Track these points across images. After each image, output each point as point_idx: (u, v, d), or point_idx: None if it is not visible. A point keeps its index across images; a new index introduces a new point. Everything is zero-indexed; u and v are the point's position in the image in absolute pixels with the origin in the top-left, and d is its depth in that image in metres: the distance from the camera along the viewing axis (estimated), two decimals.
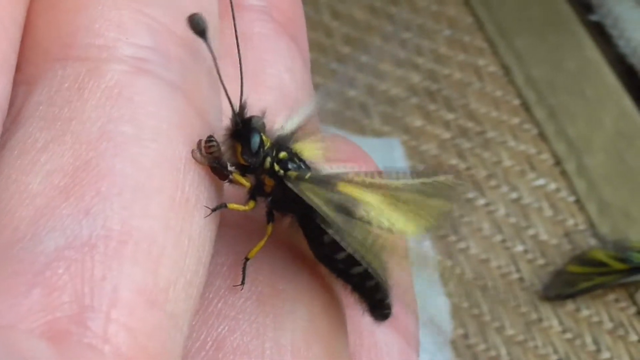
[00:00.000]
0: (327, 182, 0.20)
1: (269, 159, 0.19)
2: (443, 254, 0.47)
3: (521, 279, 0.46)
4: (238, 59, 0.20)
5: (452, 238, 0.47)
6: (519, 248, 0.47)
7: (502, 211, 0.48)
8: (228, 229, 0.19)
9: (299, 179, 0.19)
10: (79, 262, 0.15)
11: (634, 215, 0.47)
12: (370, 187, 0.20)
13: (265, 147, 0.19)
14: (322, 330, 0.20)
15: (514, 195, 0.49)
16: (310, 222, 0.19)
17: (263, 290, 0.19)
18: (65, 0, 0.18)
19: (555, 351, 0.44)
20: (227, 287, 0.19)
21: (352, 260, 0.19)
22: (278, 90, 0.22)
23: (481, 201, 0.49)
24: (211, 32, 0.18)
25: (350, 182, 0.20)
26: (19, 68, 0.18)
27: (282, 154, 0.19)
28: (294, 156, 0.19)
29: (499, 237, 0.47)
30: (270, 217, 0.20)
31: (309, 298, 0.20)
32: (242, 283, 0.19)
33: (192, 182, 0.17)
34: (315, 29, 0.57)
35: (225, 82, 0.18)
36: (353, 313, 0.21)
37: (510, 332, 0.44)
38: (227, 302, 0.19)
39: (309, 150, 0.20)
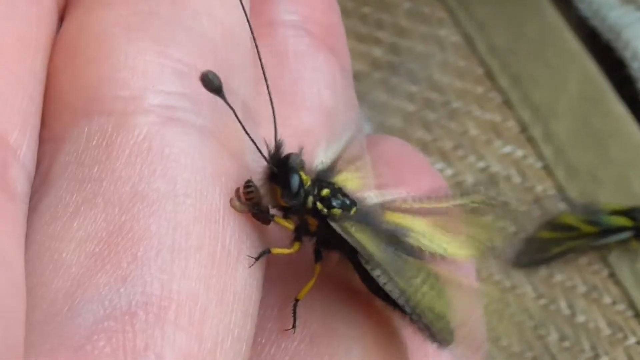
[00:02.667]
0: (373, 214, 0.19)
1: (310, 199, 0.18)
2: None
3: (492, 248, 0.46)
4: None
5: None
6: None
7: (470, 181, 0.48)
8: (276, 268, 0.19)
9: (344, 216, 0.18)
10: (120, 333, 0.15)
11: (602, 178, 0.47)
12: (419, 212, 0.19)
13: (306, 186, 0.18)
14: None
15: (481, 164, 0.49)
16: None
17: (316, 330, 0.18)
18: (86, 50, 0.17)
19: (531, 317, 0.44)
20: (279, 330, 0.18)
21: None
22: (319, 109, 0.21)
23: (449, 172, 0.49)
24: (232, 83, 0.17)
25: (397, 209, 0.19)
26: (44, 124, 0.17)
27: (325, 191, 0.18)
28: (338, 191, 0.19)
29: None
30: (318, 256, 0.19)
31: (363, 333, 0.19)
32: (294, 327, 0.18)
33: (233, 234, 0.17)
34: None
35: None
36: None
37: (484, 300, 0.44)
38: (280, 347, 0.18)
39: (354, 179, 0.19)
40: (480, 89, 0.52)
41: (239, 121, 0.17)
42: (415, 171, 0.24)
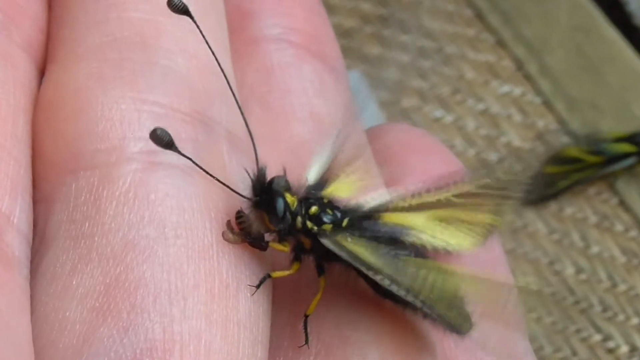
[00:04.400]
0: (368, 220, 0.19)
1: (299, 219, 0.18)
2: None
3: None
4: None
5: None
6: (494, 158, 0.47)
7: (471, 125, 0.48)
8: (284, 287, 0.19)
9: (336, 230, 0.18)
10: None
11: (601, 106, 0.47)
12: (419, 208, 0.19)
13: (293, 208, 0.18)
14: None
15: (481, 106, 0.49)
16: None
17: (330, 341, 0.18)
18: (64, 106, 0.18)
19: (545, 254, 0.44)
20: (295, 348, 0.18)
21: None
22: (311, 120, 0.21)
23: (449, 118, 0.49)
24: (214, 113, 0.17)
25: (395, 209, 0.19)
26: (34, 186, 0.17)
27: (313, 209, 0.18)
28: (327, 206, 0.18)
29: (472, 151, 0.47)
30: (320, 270, 0.19)
31: (378, 336, 0.19)
32: (306, 342, 0.18)
33: (229, 266, 0.17)
34: None
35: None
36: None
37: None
38: None
39: (346, 187, 0.19)
40: (471, 31, 0.51)
41: (205, 171, 0.17)
42: (423, 157, 0.23)
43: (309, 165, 0.19)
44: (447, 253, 0.19)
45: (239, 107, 0.18)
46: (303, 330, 0.18)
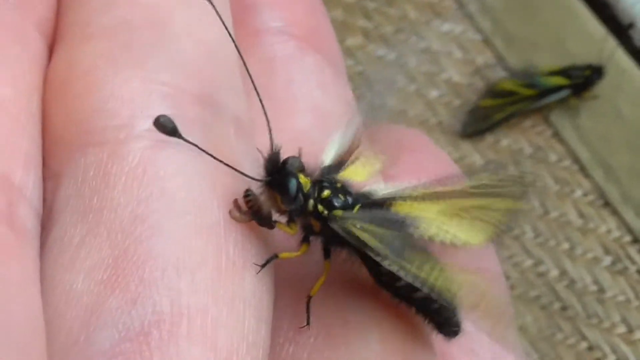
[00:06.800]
0: (379, 208, 0.19)
1: (311, 202, 0.18)
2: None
3: (440, 123, 0.48)
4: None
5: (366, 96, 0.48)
6: (434, 94, 0.48)
7: (413, 62, 0.49)
8: (287, 269, 0.19)
9: (346, 216, 0.18)
10: (137, 354, 0.15)
11: (539, 42, 0.48)
12: (430, 199, 0.19)
13: (306, 190, 0.18)
14: (397, 348, 0.19)
15: (422, 44, 0.50)
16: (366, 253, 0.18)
17: (331, 323, 0.19)
18: (74, 85, 0.18)
19: None
20: (296, 328, 0.18)
21: (412, 287, 0.18)
22: (313, 110, 0.21)
23: (392, 56, 0.50)
24: (221, 98, 0.17)
25: (407, 199, 0.19)
26: (43, 162, 0.18)
27: (325, 193, 0.18)
28: (339, 191, 0.18)
29: (413, 87, 0.48)
30: (326, 254, 0.19)
31: (379, 321, 0.19)
32: (308, 323, 0.18)
33: (236, 244, 0.17)
34: None
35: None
36: None
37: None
38: (297, 344, 0.18)
39: (360, 172, 0.19)
40: None
41: (211, 155, 0.17)
42: (418, 156, 0.24)
43: (326, 148, 0.19)
44: (454, 247, 0.19)
45: (256, 90, 0.18)
46: (305, 311, 0.18)
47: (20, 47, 0.18)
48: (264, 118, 0.18)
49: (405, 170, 0.21)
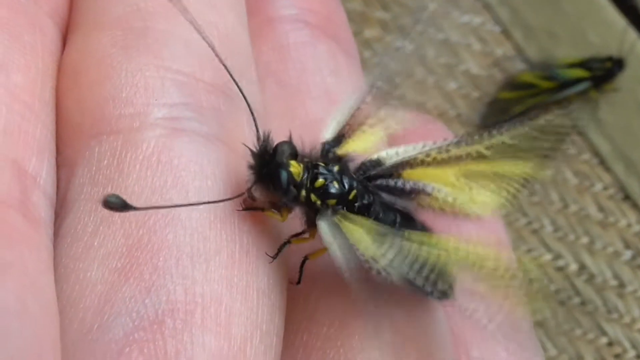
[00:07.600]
0: (388, 177, 0.19)
1: (303, 192, 0.18)
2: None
3: (459, 115, 0.47)
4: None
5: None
6: (453, 86, 0.48)
7: (431, 54, 0.49)
8: (299, 257, 0.19)
9: (337, 209, 0.18)
10: (151, 342, 0.15)
11: (558, 34, 0.48)
12: (445, 162, 0.19)
13: (299, 178, 0.18)
14: (409, 337, 0.19)
15: (441, 36, 0.50)
16: None
17: (344, 313, 0.19)
18: (88, 73, 0.18)
19: None
20: (309, 317, 0.18)
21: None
22: (325, 97, 0.21)
23: (409, 47, 0.49)
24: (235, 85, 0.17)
25: (419, 164, 0.19)
26: (57, 150, 0.18)
27: (319, 182, 0.18)
28: (334, 177, 0.18)
29: (431, 79, 0.48)
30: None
31: (391, 309, 0.19)
32: (299, 282, 0.18)
33: (250, 232, 0.17)
34: None
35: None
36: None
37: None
38: (311, 333, 0.18)
39: (365, 140, 0.19)
40: None
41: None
42: (439, 128, 0.24)
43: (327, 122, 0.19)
44: (465, 217, 0.19)
45: (244, 96, 0.18)
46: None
47: (34, 35, 0.18)
48: (277, 104, 0.18)
49: (412, 136, 0.21)
